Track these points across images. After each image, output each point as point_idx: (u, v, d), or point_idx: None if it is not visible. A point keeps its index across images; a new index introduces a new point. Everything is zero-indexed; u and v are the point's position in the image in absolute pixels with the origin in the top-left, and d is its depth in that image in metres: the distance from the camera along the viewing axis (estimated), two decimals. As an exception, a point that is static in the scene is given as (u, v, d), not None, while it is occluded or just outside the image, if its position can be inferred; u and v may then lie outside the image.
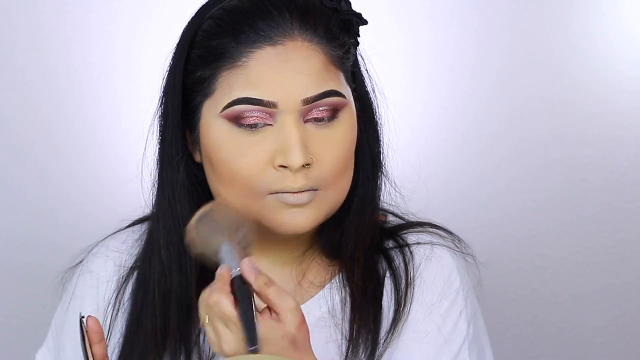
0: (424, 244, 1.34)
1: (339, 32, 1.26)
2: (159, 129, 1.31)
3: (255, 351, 1.12)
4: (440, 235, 1.36)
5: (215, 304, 1.14)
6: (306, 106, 1.22)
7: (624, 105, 2.09)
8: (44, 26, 2.05)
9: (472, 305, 1.34)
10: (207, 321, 1.16)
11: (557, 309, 2.14)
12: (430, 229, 1.36)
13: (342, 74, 1.25)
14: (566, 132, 2.10)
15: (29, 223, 2.08)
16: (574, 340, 2.15)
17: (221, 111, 1.23)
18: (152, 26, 2.06)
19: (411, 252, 1.33)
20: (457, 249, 1.36)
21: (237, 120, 1.22)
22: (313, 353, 1.19)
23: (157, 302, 1.30)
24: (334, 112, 1.23)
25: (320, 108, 1.23)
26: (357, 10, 1.29)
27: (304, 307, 1.29)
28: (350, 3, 1.29)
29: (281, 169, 1.22)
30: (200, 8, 1.29)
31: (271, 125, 1.22)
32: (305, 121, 1.23)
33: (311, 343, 1.23)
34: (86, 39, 2.06)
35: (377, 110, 1.33)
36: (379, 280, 1.31)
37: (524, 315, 2.14)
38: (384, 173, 1.34)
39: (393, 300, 1.31)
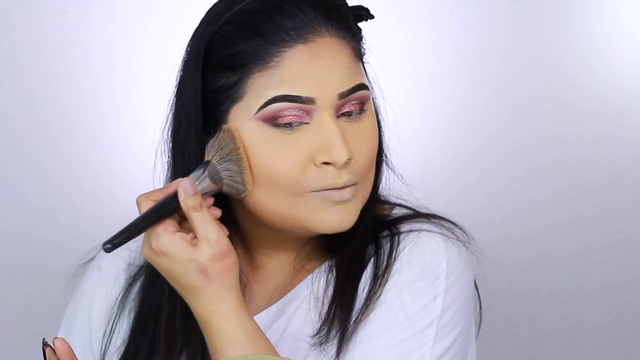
0: (415, 231, 1.32)
1: (356, 27, 1.28)
2: (170, 142, 1.30)
3: (105, 247, 1.18)
4: (442, 226, 1.34)
5: (139, 201, 1.21)
6: (341, 100, 1.23)
7: (624, 105, 2.09)
8: (44, 26, 2.05)
9: (456, 294, 1.30)
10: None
11: (557, 309, 2.14)
12: (434, 220, 1.35)
13: (363, 68, 1.27)
14: (566, 132, 2.10)
15: (28, 223, 2.08)
16: (574, 340, 2.15)
17: (255, 113, 1.22)
18: (152, 26, 2.06)
19: (399, 239, 1.32)
20: (455, 238, 1.33)
21: (273, 121, 1.22)
22: (236, 293, 1.21)
23: (164, 303, 1.31)
24: (361, 106, 1.25)
25: (352, 102, 1.24)
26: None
27: (294, 291, 1.31)
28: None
29: (324, 166, 1.22)
30: (209, 15, 1.28)
31: (307, 123, 1.22)
32: (338, 116, 1.23)
33: (292, 323, 1.26)
34: (86, 39, 2.06)
35: (379, 110, 1.33)
36: (362, 264, 1.31)
37: (524, 315, 2.14)
38: (388, 166, 1.35)
39: (369, 283, 1.30)
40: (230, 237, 1.27)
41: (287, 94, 1.21)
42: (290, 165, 1.22)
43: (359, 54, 1.26)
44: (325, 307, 1.29)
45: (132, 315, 1.35)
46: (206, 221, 1.19)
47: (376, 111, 1.32)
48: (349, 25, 1.26)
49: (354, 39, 1.26)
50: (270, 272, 1.34)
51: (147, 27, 2.06)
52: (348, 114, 1.24)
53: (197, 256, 1.19)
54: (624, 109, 2.09)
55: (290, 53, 1.22)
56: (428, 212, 1.37)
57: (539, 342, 2.15)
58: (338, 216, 1.24)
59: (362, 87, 1.24)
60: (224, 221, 1.27)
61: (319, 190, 1.23)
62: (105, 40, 2.06)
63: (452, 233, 1.33)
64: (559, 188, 2.11)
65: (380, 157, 1.32)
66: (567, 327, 2.15)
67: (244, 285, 1.33)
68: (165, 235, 1.20)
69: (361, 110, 1.25)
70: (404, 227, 1.33)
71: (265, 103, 1.22)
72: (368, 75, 1.32)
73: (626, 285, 2.13)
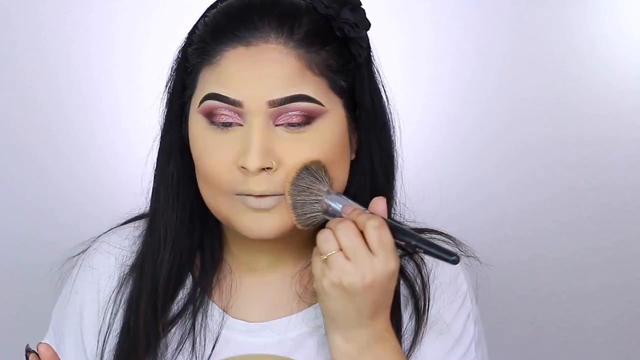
0: None
1: (328, 37, 1.24)
2: (161, 125, 1.32)
3: (456, 260, 1.15)
4: (442, 241, 1.35)
5: (377, 228, 1.16)
6: (273, 109, 1.20)
7: (624, 107, 2.10)
8: (44, 26, 2.06)
9: (476, 309, 1.35)
10: (330, 255, 1.17)
11: (556, 309, 2.14)
12: (437, 235, 1.36)
13: (325, 81, 1.23)
14: (566, 134, 2.10)
15: (28, 223, 2.08)
16: (573, 340, 2.15)
17: (198, 107, 1.24)
18: (152, 26, 2.06)
19: (421, 259, 1.33)
20: (461, 252, 1.35)
21: (210, 117, 1.23)
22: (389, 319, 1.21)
23: (145, 300, 1.31)
24: (307, 118, 1.22)
25: (291, 113, 1.21)
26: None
27: (300, 315, 1.30)
28: (359, 10, 1.26)
29: (243, 170, 1.21)
30: (205, 10, 1.30)
31: (241, 125, 1.22)
32: (277, 125, 1.22)
33: (307, 349, 1.26)
34: (86, 39, 2.06)
35: (392, 125, 1.31)
36: (395, 288, 1.30)
37: (524, 316, 2.14)
38: (396, 186, 1.33)
39: (411, 307, 1.31)
40: (220, 239, 1.30)
41: (217, 92, 1.21)
42: (217, 163, 1.22)
43: (316, 66, 1.22)
44: None
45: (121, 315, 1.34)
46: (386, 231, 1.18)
47: (389, 135, 1.30)
48: (310, 35, 1.23)
49: (311, 49, 1.22)
50: (263, 276, 1.33)
51: (147, 27, 2.06)
52: (290, 125, 1.21)
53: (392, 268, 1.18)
54: (624, 111, 2.10)
55: (230, 53, 1.21)
56: (425, 227, 1.37)
57: (538, 342, 2.15)
58: (257, 224, 1.23)
59: (302, 98, 1.21)
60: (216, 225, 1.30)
61: (240, 195, 1.22)
62: (105, 40, 2.06)
63: (457, 248, 1.35)
64: (559, 189, 2.11)
65: (387, 180, 1.31)
66: (566, 328, 2.15)
67: (228, 299, 1.32)
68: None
69: (306, 123, 1.22)
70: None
71: (202, 98, 1.22)
72: (379, 94, 1.29)
73: (625, 286, 2.14)
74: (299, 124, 1.22)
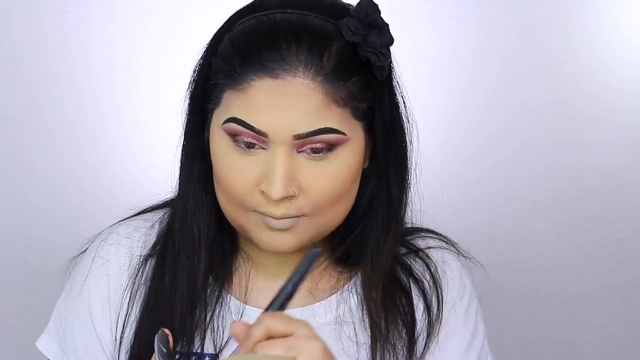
0: (435, 248, 1.37)
1: (353, 69, 1.24)
2: (184, 128, 1.33)
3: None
4: (442, 240, 1.39)
5: (307, 338, 1.12)
6: (299, 141, 1.22)
7: (623, 108, 2.10)
8: (44, 26, 2.06)
9: (479, 305, 1.39)
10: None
11: (556, 309, 2.14)
12: (425, 234, 1.39)
13: (349, 110, 1.24)
14: (565, 134, 2.10)
15: (28, 223, 2.08)
16: (573, 340, 2.15)
17: (222, 124, 1.24)
18: (152, 26, 2.06)
19: (428, 257, 1.36)
20: (457, 252, 1.39)
21: (233, 137, 1.24)
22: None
23: (175, 290, 1.32)
24: (330, 146, 1.23)
25: (314, 144, 1.23)
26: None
27: (314, 308, 1.32)
28: (385, 32, 1.26)
29: (265, 194, 1.23)
30: (233, 15, 1.29)
31: (265, 149, 1.23)
32: (299, 152, 1.23)
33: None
34: (86, 39, 2.06)
35: (408, 138, 1.33)
36: (405, 288, 1.33)
37: (524, 315, 2.14)
38: (409, 194, 1.34)
39: (422, 305, 1.34)
40: (220, 236, 1.32)
41: (243, 119, 1.22)
42: (240, 182, 1.23)
43: (341, 99, 1.22)
44: (359, 332, 1.31)
45: (141, 303, 1.35)
46: (285, 317, 1.15)
47: (404, 147, 1.31)
48: (337, 68, 1.22)
49: (337, 83, 1.22)
50: (273, 274, 1.35)
51: (147, 27, 2.06)
52: (313, 151, 1.23)
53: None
54: (623, 111, 2.10)
55: (258, 83, 1.21)
56: (419, 226, 1.39)
57: (538, 342, 2.15)
58: (274, 240, 1.26)
59: (328, 131, 1.22)
60: (224, 222, 1.30)
61: (260, 213, 1.24)
62: (106, 41, 2.06)
63: (454, 247, 1.38)
64: (558, 189, 2.11)
65: (405, 180, 1.33)
66: (566, 327, 2.15)
67: (246, 285, 1.34)
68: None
69: (328, 150, 1.23)
70: (419, 243, 1.38)
71: (227, 119, 1.23)
72: (399, 110, 1.30)
73: (625, 286, 2.14)
74: (321, 151, 1.23)
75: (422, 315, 1.34)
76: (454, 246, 1.39)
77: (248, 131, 1.22)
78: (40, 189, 2.08)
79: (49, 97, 2.07)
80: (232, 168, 1.24)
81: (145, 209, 1.42)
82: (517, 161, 2.10)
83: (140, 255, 1.36)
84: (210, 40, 1.29)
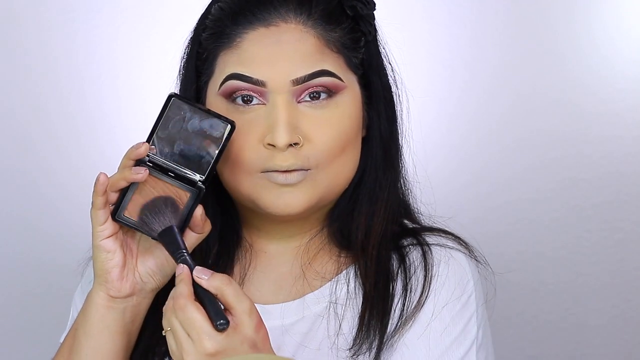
0: (443, 246, 1.35)
1: (341, 16, 1.27)
2: None
3: (222, 327, 1.13)
4: (459, 242, 1.36)
5: (181, 309, 1.14)
6: (297, 87, 1.23)
7: (624, 104, 2.10)
8: (47, 26, 2.06)
9: (482, 311, 1.35)
10: (168, 329, 1.16)
11: (556, 308, 2.14)
12: (450, 236, 1.36)
13: (342, 58, 1.27)
14: (565, 131, 2.10)
15: (31, 222, 2.09)
16: (573, 340, 2.15)
17: (218, 89, 1.25)
18: (154, 26, 2.07)
19: (430, 251, 1.33)
20: (472, 256, 1.35)
21: (231, 97, 1.25)
22: (274, 352, 1.19)
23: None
24: (329, 93, 1.25)
25: (313, 88, 1.24)
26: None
27: (305, 299, 1.31)
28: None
29: (270, 147, 1.23)
30: None
31: (264, 104, 1.24)
32: (299, 102, 1.24)
33: (313, 331, 1.26)
34: (89, 39, 2.07)
35: (397, 103, 1.34)
36: (391, 276, 1.31)
37: (524, 315, 2.14)
38: (403, 166, 1.35)
39: (401, 297, 1.31)
40: (224, 222, 1.31)
41: (240, 72, 1.23)
42: (242, 143, 1.24)
43: (333, 44, 1.26)
44: (355, 320, 1.29)
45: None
46: (238, 293, 1.17)
47: (395, 113, 1.32)
48: (327, 14, 1.26)
49: (329, 27, 1.26)
50: (272, 259, 1.34)
51: (149, 27, 2.07)
52: (313, 97, 1.24)
53: (245, 333, 1.15)
54: (624, 108, 2.10)
55: (251, 35, 1.24)
56: (436, 226, 1.37)
57: (538, 342, 2.15)
58: (283, 199, 1.25)
59: (325, 73, 1.24)
60: (217, 206, 1.31)
61: (266, 172, 1.24)
62: (108, 40, 2.07)
63: (468, 250, 1.35)
64: (558, 187, 2.11)
65: (391, 159, 1.33)
66: (566, 327, 2.15)
67: (243, 277, 1.33)
68: (214, 336, 1.15)
69: (327, 97, 1.25)
70: (430, 239, 1.35)
71: (223, 80, 1.24)
72: (387, 73, 1.32)
73: (625, 285, 2.14)
74: (321, 96, 1.24)
75: (398, 305, 1.30)
76: (468, 250, 1.35)
77: (246, 84, 1.23)
78: (44, 188, 2.09)
79: (53, 97, 2.08)
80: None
81: None
82: (516, 159, 2.11)
83: None
84: (197, 22, 1.30)
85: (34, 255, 2.07)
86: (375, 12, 1.31)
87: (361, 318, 1.29)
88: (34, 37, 2.06)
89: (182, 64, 1.32)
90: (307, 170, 1.25)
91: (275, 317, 1.30)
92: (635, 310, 2.15)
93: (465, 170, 2.11)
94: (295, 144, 1.23)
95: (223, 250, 1.33)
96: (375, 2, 1.30)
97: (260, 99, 1.24)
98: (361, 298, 1.30)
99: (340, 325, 1.29)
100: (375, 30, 1.32)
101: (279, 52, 1.23)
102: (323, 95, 1.25)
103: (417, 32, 2.07)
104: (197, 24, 1.30)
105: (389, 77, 1.33)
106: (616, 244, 2.12)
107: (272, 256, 1.34)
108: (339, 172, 1.27)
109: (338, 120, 1.25)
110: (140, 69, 2.06)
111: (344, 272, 1.33)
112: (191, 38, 1.31)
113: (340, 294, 1.31)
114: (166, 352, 1.24)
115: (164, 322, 1.17)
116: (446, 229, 1.37)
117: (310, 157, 1.24)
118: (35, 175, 2.09)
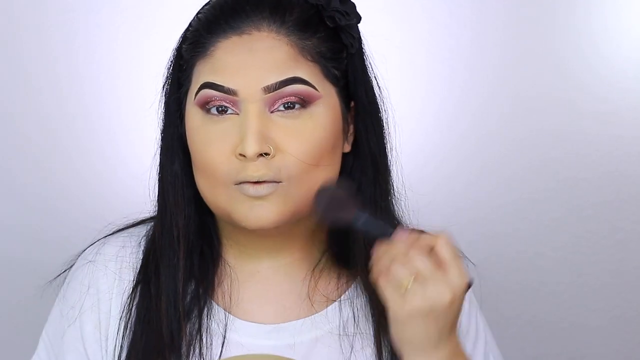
0: None
1: (319, 25, 1.26)
2: (161, 126, 1.32)
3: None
4: None
5: (446, 247, 1.16)
6: (269, 95, 1.22)
7: (624, 104, 2.10)
8: (46, 25, 2.06)
9: (479, 308, 1.39)
10: (410, 283, 1.16)
11: (556, 308, 2.14)
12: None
13: (318, 67, 1.24)
14: (565, 131, 2.10)
15: (31, 222, 2.09)
16: (573, 341, 2.16)
17: (194, 99, 1.25)
18: (154, 26, 2.07)
19: None
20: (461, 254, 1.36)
21: (205, 108, 1.24)
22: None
23: (165, 302, 1.30)
24: (302, 102, 1.23)
25: (287, 98, 1.23)
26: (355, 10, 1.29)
27: (312, 319, 1.31)
28: (348, 2, 1.28)
29: (242, 157, 1.22)
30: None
31: (237, 114, 1.23)
32: (272, 111, 1.23)
33: (315, 353, 1.27)
34: (89, 38, 2.07)
35: (384, 118, 1.32)
36: None
37: (524, 315, 2.15)
38: (393, 181, 1.33)
39: None
40: (205, 243, 1.30)
41: (212, 81, 1.22)
42: (216, 153, 1.23)
43: (308, 52, 1.24)
44: (365, 340, 1.30)
45: (131, 324, 1.33)
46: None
47: (382, 127, 1.31)
48: (302, 22, 1.24)
49: (304, 36, 1.24)
50: (268, 279, 1.33)
51: (148, 27, 2.07)
52: (287, 107, 1.22)
53: (453, 281, 1.17)
54: (624, 108, 2.10)
55: (224, 43, 1.23)
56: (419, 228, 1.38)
57: (538, 342, 2.15)
58: (254, 213, 1.23)
59: (297, 80, 1.22)
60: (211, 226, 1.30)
61: (239, 183, 1.22)
62: (108, 41, 2.07)
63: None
64: (558, 187, 2.11)
65: (383, 173, 1.31)
66: (567, 327, 2.15)
67: (238, 288, 1.32)
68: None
69: (301, 107, 1.23)
70: None
71: (198, 89, 1.24)
72: (372, 87, 1.30)
73: (625, 285, 2.14)
74: (294, 106, 1.22)
75: None
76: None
77: (218, 93, 1.22)
78: (41, 188, 2.09)
79: (52, 97, 2.08)
80: (208, 140, 1.23)
81: (131, 224, 1.39)
82: (516, 159, 2.11)
83: (132, 280, 1.33)
84: (180, 36, 1.30)
85: (34, 255, 2.07)
86: (360, 25, 1.29)
87: (377, 338, 1.30)
88: (33, 37, 2.06)
89: (167, 76, 1.31)
90: (278, 182, 1.22)
91: (292, 334, 1.30)
92: (636, 310, 2.15)
93: (465, 170, 2.11)
94: (266, 154, 1.21)
95: (202, 264, 1.31)
96: (361, 15, 1.29)
97: (234, 108, 1.23)
98: (369, 314, 1.31)
99: (352, 346, 1.30)
100: (360, 43, 1.30)
101: (251, 60, 1.22)
102: (297, 106, 1.23)
103: (417, 32, 2.07)
104: (182, 35, 1.30)
105: (376, 92, 1.31)
106: (616, 244, 2.13)
107: (266, 276, 1.32)
108: (313, 186, 1.24)
109: (311, 131, 1.23)
110: (140, 69, 2.06)
111: (348, 291, 1.33)
112: (175, 49, 1.30)
113: (347, 312, 1.31)
114: (166, 353, 1.25)
115: (402, 273, 1.16)
116: (422, 229, 1.37)
117: (281, 168, 1.22)
118: (35, 175, 2.09)
